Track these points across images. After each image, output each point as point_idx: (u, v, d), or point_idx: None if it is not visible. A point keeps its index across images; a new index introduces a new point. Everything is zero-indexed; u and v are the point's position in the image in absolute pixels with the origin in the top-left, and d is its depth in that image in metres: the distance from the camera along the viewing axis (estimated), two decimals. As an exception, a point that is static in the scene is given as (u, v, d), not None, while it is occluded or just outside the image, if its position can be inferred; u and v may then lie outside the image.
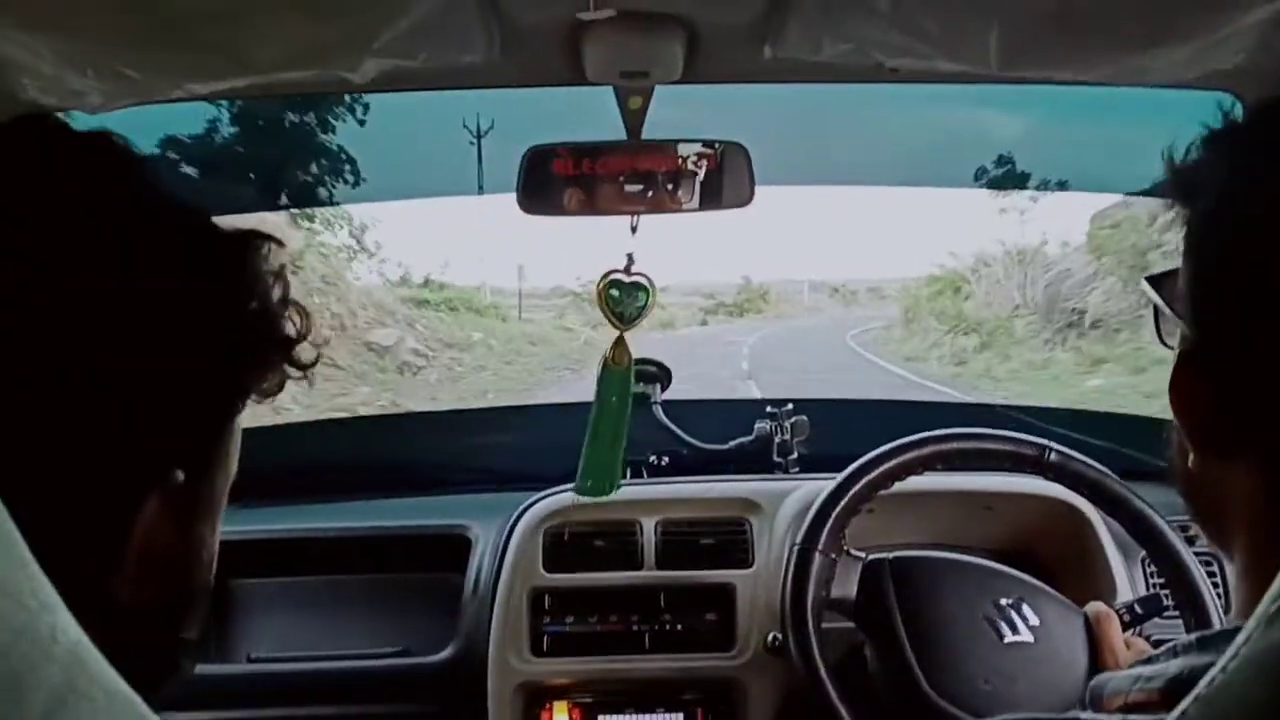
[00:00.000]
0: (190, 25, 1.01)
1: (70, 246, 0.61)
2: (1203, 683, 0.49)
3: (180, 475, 0.69)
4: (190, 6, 0.98)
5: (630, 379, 1.70)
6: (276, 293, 0.72)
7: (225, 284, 0.69)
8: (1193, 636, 0.73)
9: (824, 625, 1.68)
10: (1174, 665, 0.71)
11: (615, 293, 1.64)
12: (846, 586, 1.68)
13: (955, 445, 1.74)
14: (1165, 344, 0.85)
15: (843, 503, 1.71)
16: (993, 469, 1.79)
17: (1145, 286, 0.82)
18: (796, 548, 1.70)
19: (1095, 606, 1.64)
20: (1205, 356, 0.70)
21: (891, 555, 1.70)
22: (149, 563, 0.67)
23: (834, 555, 1.69)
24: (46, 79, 1.10)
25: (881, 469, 1.73)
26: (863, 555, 1.70)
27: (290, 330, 0.73)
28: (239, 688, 1.96)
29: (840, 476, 1.73)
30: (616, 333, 1.67)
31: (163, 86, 1.14)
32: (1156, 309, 0.84)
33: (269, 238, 0.72)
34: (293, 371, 0.74)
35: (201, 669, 1.92)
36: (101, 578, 0.65)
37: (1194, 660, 0.67)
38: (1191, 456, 0.73)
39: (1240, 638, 0.48)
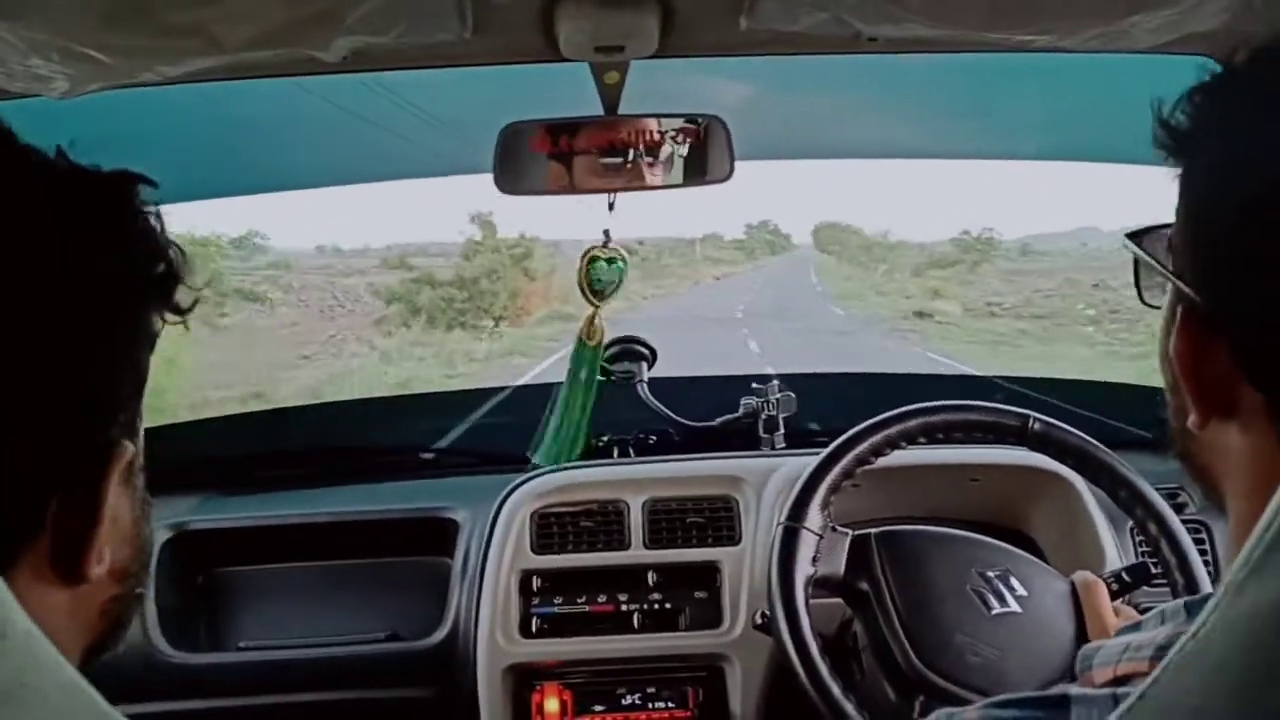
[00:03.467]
0: (160, 7, 1.00)
1: None
2: (1174, 649, 0.49)
3: (130, 446, 0.67)
4: None
5: (600, 354, 1.70)
6: (156, 232, 0.70)
7: (106, 228, 0.67)
8: (1180, 602, 0.72)
9: (811, 601, 1.67)
10: (1162, 633, 0.70)
11: (596, 269, 1.64)
12: (834, 563, 1.67)
13: (939, 418, 1.73)
14: (1145, 302, 0.84)
15: (828, 478, 1.70)
16: (977, 441, 1.78)
17: (1128, 243, 0.81)
18: (782, 525, 1.68)
19: (1082, 575, 1.64)
20: (1213, 312, 0.69)
21: (878, 530, 1.70)
22: (112, 534, 0.67)
23: (820, 531, 1.68)
24: (12, 65, 1.08)
25: (866, 443, 1.72)
26: (849, 531, 1.69)
27: (171, 271, 0.70)
28: (230, 676, 1.95)
29: (824, 452, 1.72)
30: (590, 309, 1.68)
31: (131, 70, 1.13)
32: (1138, 265, 0.82)
33: (139, 177, 0.69)
34: (170, 316, 0.71)
35: (192, 658, 1.92)
36: (78, 555, 0.64)
37: (1182, 627, 0.66)
38: (1192, 416, 0.71)
39: (1210, 603, 0.48)
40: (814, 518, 1.67)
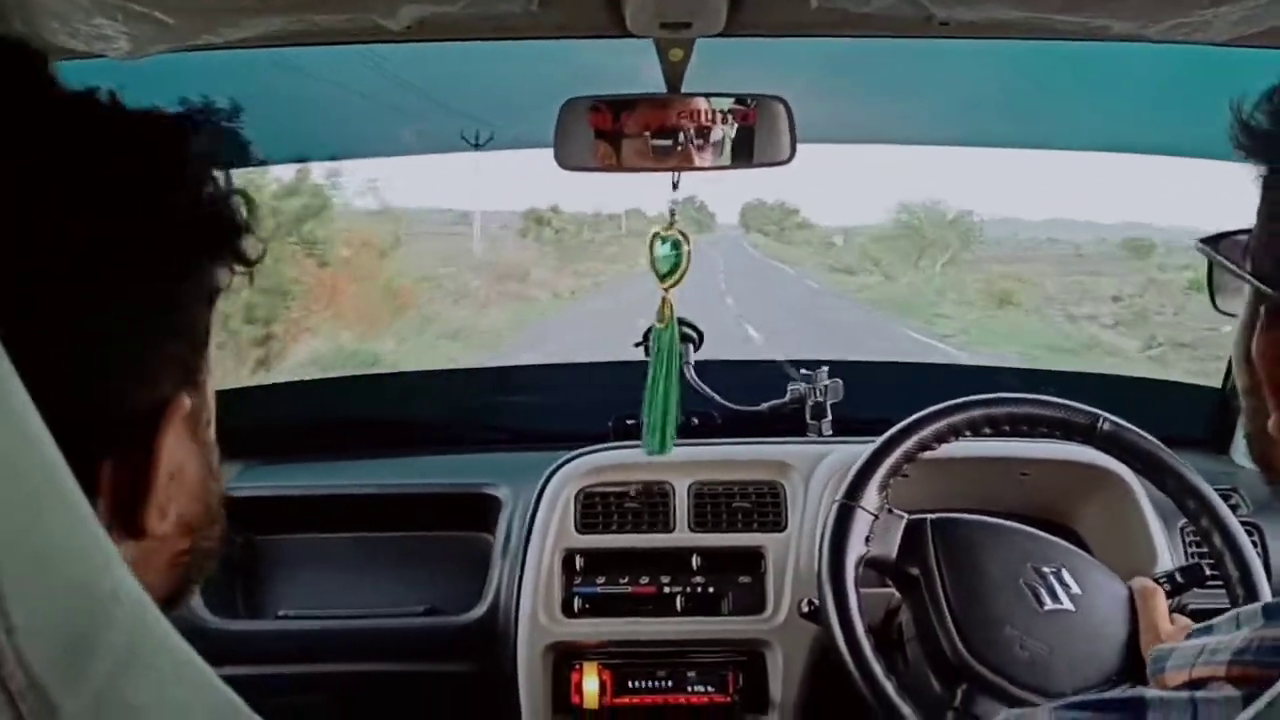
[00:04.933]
0: None
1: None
2: None
3: (188, 401, 0.66)
4: None
5: (675, 336, 1.70)
6: (221, 179, 0.68)
7: (175, 171, 0.65)
8: (1258, 606, 0.70)
9: (860, 589, 1.65)
10: (1239, 637, 0.69)
11: (661, 247, 1.65)
12: (887, 544, 1.65)
13: (1006, 410, 1.71)
14: (1219, 309, 0.83)
15: (889, 460, 1.68)
16: (1041, 436, 1.75)
17: (1203, 248, 0.79)
18: (838, 502, 1.67)
19: (1141, 581, 1.61)
20: None
21: (934, 515, 1.68)
22: (175, 489, 0.66)
23: (876, 512, 1.66)
24: (77, 25, 1.08)
25: (929, 429, 1.70)
26: (904, 514, 1.67)
27: (239, 220, 0.69)
28: (269, 644, 1.96)
29: (889, 433, 1.70)
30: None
31: (194, 31, 1.12)
32: (1212, 271, 0.81)
33: (205, 118, 0.68)
34: (239, 268, 0.70)
35: (231, 625, 1.93)
36: (136, 511, 0.63)
37: (1263, 631, 0.65)
38: (1274, 417, 0.70)
39: None
40: (871, 498, 1.65)
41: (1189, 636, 0.75)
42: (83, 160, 0.60)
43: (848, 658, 1.59)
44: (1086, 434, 1.71)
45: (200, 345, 0.69)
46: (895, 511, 1.66)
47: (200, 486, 0.71)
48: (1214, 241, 0.78)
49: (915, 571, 1.63)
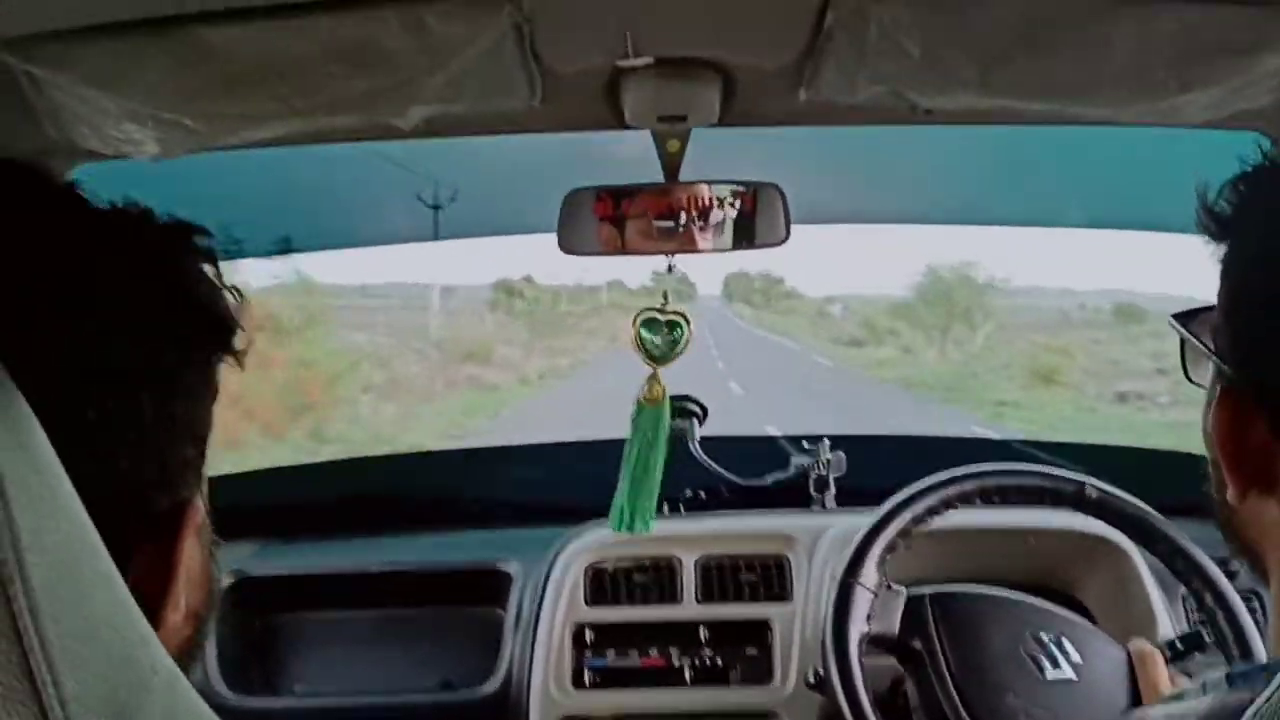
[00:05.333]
0: (247, 79, 1.05)
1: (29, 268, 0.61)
2: (1251, 709, 0.50)
3: (202, 505, 0.70)
4: (248, 62, 1.01)
5: (664, 416, 1.71)
6: (216, 279, 0.72)
7: (167, 277, 0.68)
8: (1222, 673, 0.74)
9: (864, 659, 1.68)
10: (1204, 703, 0.71)
11: (647, 332, 1.66)
12: (888, 621, 1.68)
13: (994, 481, 1.75)
14: (1191, 380, 0.87)
15: (883, 536, 1.71)
16: (1030, 504, 1.79)
17: (1174, 324, 0.83)
18: (838, 581, 1.70)
19: (1138, 644, 1.64)
20: (1250, 388, 0.71)
21: (933, 590, 1.71)
22: (187, 582, 0.69)
23: (875, 589, 1.69)
24: (107, 130, 1.14)
25: (922, 503, 1.73)
26: (903, 589, 1.70)
27: (235, 315, 0.72)
28: None
29: (881, 510, 1.74)
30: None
31: (218, 135, 1.18)
32: (1184, 345, 0.85)
33: (197, 227, 0.71)
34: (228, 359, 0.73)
35: (250, 702, 1.96)
36: (157, 605, 0.66)
37: (1225, 698, 0.67)
38: (1230, 490, 0.73)
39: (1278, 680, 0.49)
40: (870, 575, 1.69)
41: (1160, 704, 0.78)
42: (109, 273, 0.64)
43: (841, 697, 1.62)
44: (1075, 500, 1.75)
45: (205, 446, 0.72)
46: (894, 587, 1.69)
47: (205, 577, 0.74)
48: (1187, 317, 0.82)
49: (918, 645, 1.66)
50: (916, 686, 1.67)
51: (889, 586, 1.70)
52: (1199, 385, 0.83)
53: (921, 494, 1.74)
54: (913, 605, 1.68)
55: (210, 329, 0.71)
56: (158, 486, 0.67)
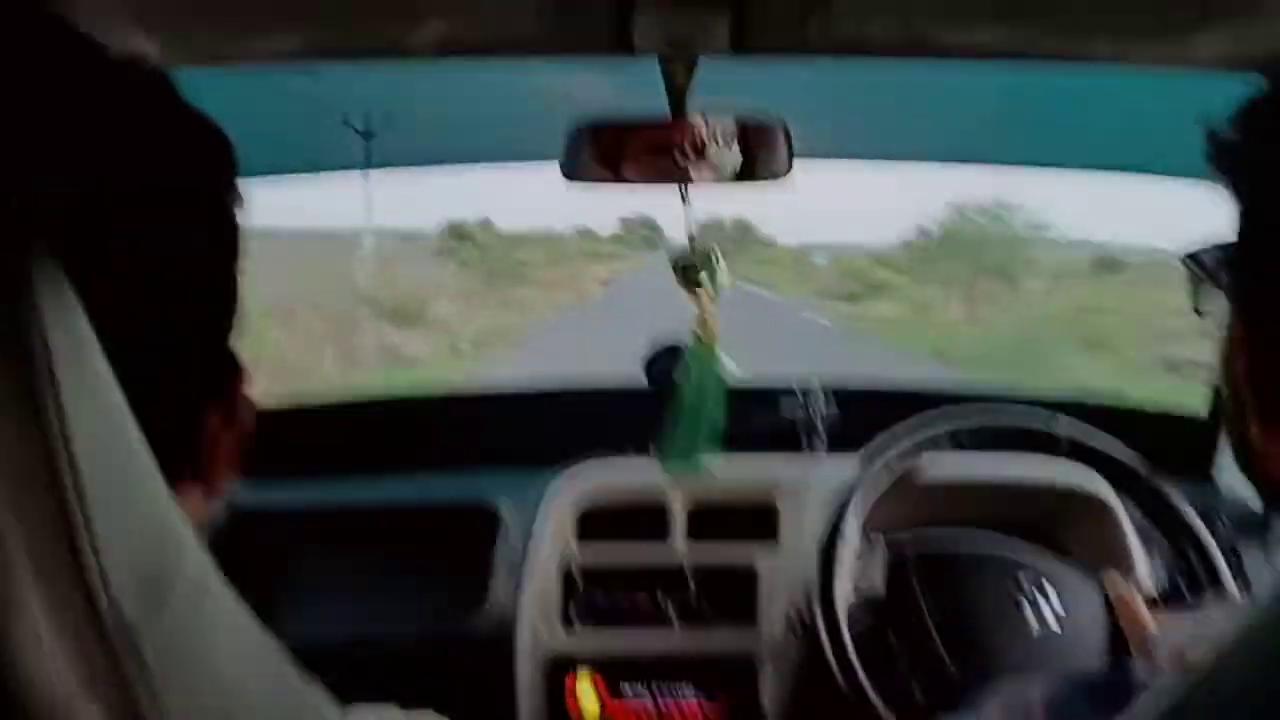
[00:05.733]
0: None
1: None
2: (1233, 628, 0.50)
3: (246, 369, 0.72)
4: None
5: (716, 353, 1.73)
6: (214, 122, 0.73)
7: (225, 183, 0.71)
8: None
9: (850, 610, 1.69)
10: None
11: (688, 268, 1.68)
12: (871, 578, 1.70)
13: (966, 423, 1.76)
14: (1202, 317, 0.86)
15: (863, 490, 1.73)
16: (1002, 447, 1.80)
17: (1187, 262, 0.83)
18: (820, 543, 1.71)
19: (1113, 581, 1.65)
20: (1270, 326, 0.70)
21: (913, 546, 1.72)
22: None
23: (858, 550, 1.70)
24: (110, 40, 1.12)
25: (894, 450, 1.75)
26: (881, 536, 1.71)
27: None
28: None
29: (858, 465, 1.75)
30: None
31: (223, 48, 1.17)
32: (1195, 283, 0.84)
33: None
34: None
35: None
36: (225, 466, 0.71)
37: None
38: (1254, 425, 0.73)
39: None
40: (851, 534, 1.70)
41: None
42: (115, 104, 0.65)
43: (840, 678, 1.63)
44: (1046, 440, 1.77)
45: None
46: (872, 537, 1.71)
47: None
48: (1197, 255, 0.82)
49: (903, 602, 1.68)
50: (901, 641, 1.68)
51: (869, 540, 1.71)
52: (1212, 324, 0.83)
53: (891, 441, 1.75)
54: (896, 561, 1.70)
55: (230, 176, 0.71)
56: (223, 337, 0.70)
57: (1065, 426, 1.78)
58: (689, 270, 1.67)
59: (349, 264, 23.69)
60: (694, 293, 1.68)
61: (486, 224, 37.15)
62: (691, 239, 1.65)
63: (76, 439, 0.45)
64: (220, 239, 0.69)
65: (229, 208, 0.70)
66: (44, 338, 0.45)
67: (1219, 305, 0.79)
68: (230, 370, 0.70)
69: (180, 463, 0.65)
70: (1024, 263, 27.65)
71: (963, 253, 28.80)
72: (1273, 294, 0.70)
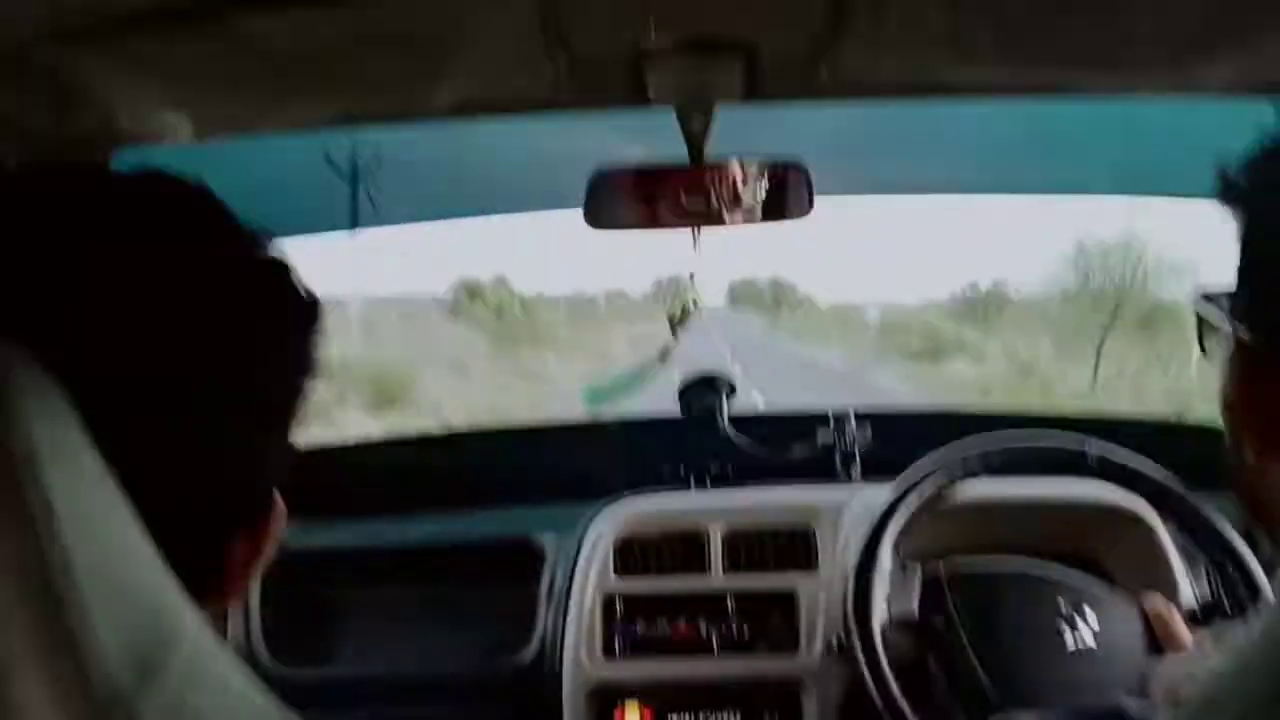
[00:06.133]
0: (282, 64, 1.08)
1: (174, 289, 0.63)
2: (1222, 659, 0.52)
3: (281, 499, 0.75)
4: (282, 48, 1.04)
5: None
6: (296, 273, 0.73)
7: (295, 309, 0.72)
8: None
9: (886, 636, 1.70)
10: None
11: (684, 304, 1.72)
12: (906, 602, 1.71)
13: (998, 449, 1.77)
14: (1206, 356, 0.88)
15: (896, 517, 1.75)
16: (1039, 472, 1.81)
17: (1198, 305, 0.84)
18: (854, 568, 1.73)
19: (1152, 601, 1.65)
20: (1267, 359, 0.72)
21: (948, 568, 1.73)
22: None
23: (892, 574, 1.72)
24: (143, 115, 1.17)
25: (928, 480, 1.76)
26: (918, 565, 1.73)
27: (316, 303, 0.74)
28: (325, 691, 2.04)
29: (891, 493, 1.77)
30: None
31: (253, 120, 1.22)
32: (1201, 322, 0.86)
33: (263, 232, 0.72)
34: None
35: (291, 672, 2.00)
36: (240, 584, 0.73)
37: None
38: (1253, 461, 0.75)
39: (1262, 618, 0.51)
40: (885, 558, 1.71)
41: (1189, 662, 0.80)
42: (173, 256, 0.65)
43: (878, 700, 1.64)
44: (1077, 463, 1.77)
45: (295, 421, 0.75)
46: (909, 565, 1.72)
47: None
48: (1208, 297, 0.84)
49: (938, 624, 1.68)
50: (939, 663, 1.69)
51: (904, 566, 1.72)
52: (1213, 363, 0.84)
53: (928, 471, 1.77)
54: (931, 584, 1.71)
55: (300, 301, 0.72)
56: (268, 474, 0.72)
57: (1096, 447, 1.78)
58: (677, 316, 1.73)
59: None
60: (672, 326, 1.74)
61: (502, 281, 33.65)
62: (692, 276, 1.70)
63: (64, 530, 0.48)
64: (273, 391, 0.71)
65: (290, 354, 0.72)
66: (29, 439, 0.49)
67: (1222, 342, 0.81)
68: (263, 503, 0.73)
69: (202, 583, 0.67)
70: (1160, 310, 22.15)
71: (1092, 300, 23.61)
72: (1267, 322, 0.72)
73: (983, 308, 33.92)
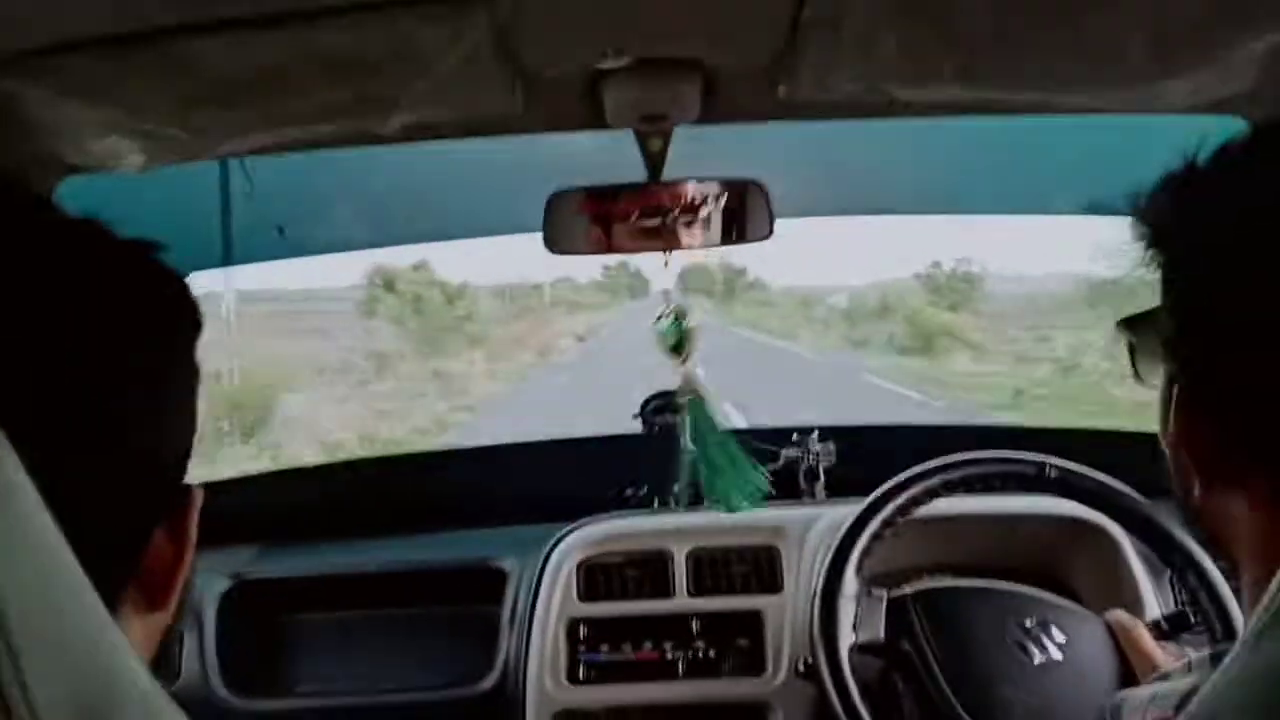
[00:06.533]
0: (230, 90, 1.06)
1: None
2: (1195, 698, 0.51)
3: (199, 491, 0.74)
4: (231, 74, 1.02)
5: (706, 402, 1.76)
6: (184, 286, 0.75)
7: (151, 286, 0.72)
8: (1207, 653, 0.75)
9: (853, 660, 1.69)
10: (1186, 682, 0.73)
11: (666, 326, 1.71)
12: (873, 627, 1.69)
13: (957, 473, 1.77)
14: (1142, 382, 0.87)
15: (857, 545, 1.73)
16: (994, 491, 1.80)
17: (1123, 330, 0.83)
18: (819, 594, 1.72)
19: (1115, 615, 1.65)
20: (1203, 395, 0.71)
21: (913, 590, 1.72)
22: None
23: (856, 597, 1.71)
24: (91, 143, 1.15)
25: (889, 507, 1.75)
26: (884, 593, 1.72)
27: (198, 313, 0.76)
28: None
29: (849, 518, 1.76)
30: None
31: (203, 146, 1.19)
32: (1133, 349, 0.85)
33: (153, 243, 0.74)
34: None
35: (251, 704, 1.97)
36: (167, 585, 0.71)
37: (1209, 676, 0.68)
38: (1196, 487, 0.74)
39: (1229, 656, 0.50)
40: (849, 584, 1.70)
41: (1148, 684, 0.79)
42: (90, 279, 0.67)
43: (838, 708, 1.63)
44: (1037, 482, 1.77)
45: (195, 429, 0.76)
46: (874, 592, 1.71)
47: (188, 568, 0.77)
48: (1134, 321, 0.83)
49: (905, 647, 1.67)
50: (907, 684, 1.68)
51: (869, 592, 1.72)
52: (1152, 387, 0.83)
53: (884, 498, 1.76)
54: (896, 607, 1.70)
55: (186, 318, 0.74)
56: (176, 466, 0.71)
57: (1055, 466, 1.78)
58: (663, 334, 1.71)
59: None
60: (669, 350, 1.72)
61: (422, 267, 28.55)
62: (669, 301, 1.68)
63: (3, 582, 0.46)
64: (167, 370, 0.71)
65: (179, 341, 0.73)
66: None
67: (1157, 371, 0.80)
68: (178, 492, 0.72)
69: (124, 583, 0.68)
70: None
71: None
72: (1205, 364, 0.71)
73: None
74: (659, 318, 1.74)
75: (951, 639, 1.66)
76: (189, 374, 0.74)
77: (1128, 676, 1.59)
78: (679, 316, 1.73)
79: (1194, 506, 0.75)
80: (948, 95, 1.27)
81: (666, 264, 1.63)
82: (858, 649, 1.68)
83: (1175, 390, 0.74)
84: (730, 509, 1.79)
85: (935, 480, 1.76)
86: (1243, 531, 0.71)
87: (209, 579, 2.07)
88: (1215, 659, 0.73)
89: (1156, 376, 0.79)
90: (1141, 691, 0.76)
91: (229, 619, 2.04)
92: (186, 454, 0.73)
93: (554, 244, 1.57)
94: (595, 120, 1.31)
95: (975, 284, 33.86)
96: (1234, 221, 0.67)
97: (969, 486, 1.77)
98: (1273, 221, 0.65)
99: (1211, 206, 0.70)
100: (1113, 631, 1.64)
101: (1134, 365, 0.85)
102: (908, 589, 1.73)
